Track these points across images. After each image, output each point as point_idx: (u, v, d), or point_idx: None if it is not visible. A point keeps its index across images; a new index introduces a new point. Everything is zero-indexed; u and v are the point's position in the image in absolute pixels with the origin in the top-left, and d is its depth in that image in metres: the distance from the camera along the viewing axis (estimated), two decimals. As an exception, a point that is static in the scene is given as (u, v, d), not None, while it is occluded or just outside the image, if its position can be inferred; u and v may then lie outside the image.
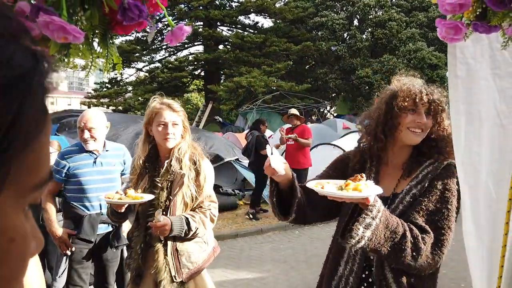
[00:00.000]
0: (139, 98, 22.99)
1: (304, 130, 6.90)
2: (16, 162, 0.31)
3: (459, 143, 1.49)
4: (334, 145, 8.83)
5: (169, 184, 2.23)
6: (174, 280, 2.19)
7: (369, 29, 24.16)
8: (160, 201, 2.22)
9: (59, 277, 2.97)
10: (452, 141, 1.55)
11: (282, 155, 8.37)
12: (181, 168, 2.21)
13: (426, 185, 1.52)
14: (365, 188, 1.32)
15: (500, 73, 1.45)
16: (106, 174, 3.00)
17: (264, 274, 4.74)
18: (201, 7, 22.91)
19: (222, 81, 23.54)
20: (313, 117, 21.30)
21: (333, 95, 25.77)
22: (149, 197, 2.17)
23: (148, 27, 1.06)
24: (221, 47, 24.24)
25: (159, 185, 2.23)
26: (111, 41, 1.06)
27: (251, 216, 7.07)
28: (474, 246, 1.52)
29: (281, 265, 5.11)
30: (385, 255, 1.40)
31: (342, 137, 10.28)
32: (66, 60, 1.02)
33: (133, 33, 22.65)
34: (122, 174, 3.11)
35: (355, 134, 12.33)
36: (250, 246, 5.77)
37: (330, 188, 1.38)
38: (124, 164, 3.13)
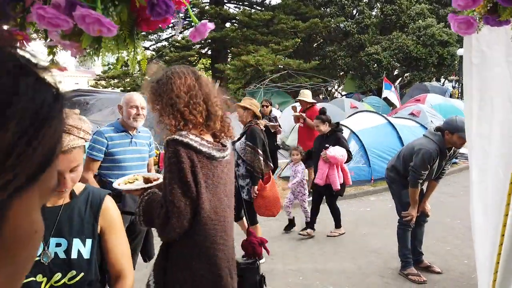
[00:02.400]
0: (147, 77, 22.97)
1: (314, 114, 6.92)
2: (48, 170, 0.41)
3: (470, 129, 1.53)
4: (342, 125, 8.82)
5: None
6: None
7: (378, 5, 23.66)
8: None
9: None
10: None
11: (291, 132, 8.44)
12: None
13: None
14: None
15: None
16: (140, 153, 3.25)
17: (274, 250, 4.91)
18: (207, -16, 22.59)
19: (229, 60, 23.38)
20: (320, 96, 21.15)
21: (341, 73, 25.49)
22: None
23: (173, 22, 1.10)
24: (228, 25, 23.97)
25: None
26: (137, 37, 1.11)
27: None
28: (480, 222, 1.57)
29: (289, 241, 5.45)
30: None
31: (349, 116, 10.12)
32: (96, 54, 1.08)
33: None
34: (149, 156, 3.36)
35: (363, 114, 12.05)
36: (260, 223, 5.89)
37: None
38: (150, 145, 3.38)
